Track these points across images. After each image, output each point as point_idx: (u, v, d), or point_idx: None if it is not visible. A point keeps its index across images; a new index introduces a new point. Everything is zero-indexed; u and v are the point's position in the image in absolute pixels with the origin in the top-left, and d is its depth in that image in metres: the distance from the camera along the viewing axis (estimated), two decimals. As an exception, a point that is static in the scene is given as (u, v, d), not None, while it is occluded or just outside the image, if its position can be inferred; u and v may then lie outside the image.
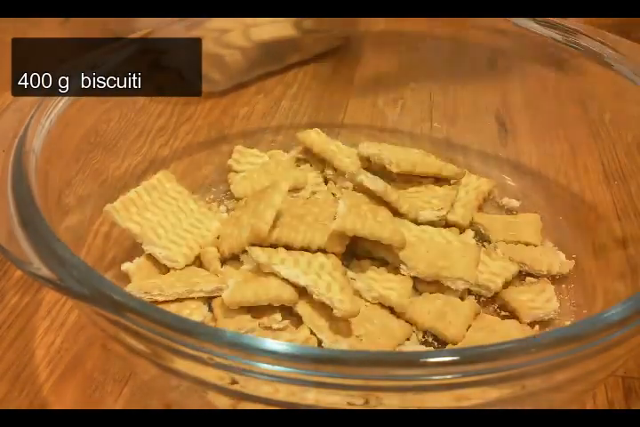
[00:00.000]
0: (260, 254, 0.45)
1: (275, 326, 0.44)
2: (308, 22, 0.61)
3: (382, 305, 0.45)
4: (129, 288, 0.43)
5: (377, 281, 0.46)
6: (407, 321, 0.45)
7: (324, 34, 0.64)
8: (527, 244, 0.51)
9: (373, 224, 0.45)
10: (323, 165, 0.57)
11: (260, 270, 0.45)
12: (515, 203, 0.56)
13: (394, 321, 0.45)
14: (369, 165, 0.56)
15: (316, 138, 0.58)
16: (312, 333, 0.43)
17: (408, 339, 0.44)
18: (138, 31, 0.51)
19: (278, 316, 0.44)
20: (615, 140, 0.52)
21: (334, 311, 0.41)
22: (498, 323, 0.45)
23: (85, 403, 0.44)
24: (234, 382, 0.30)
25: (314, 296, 0.43)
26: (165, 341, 0.29)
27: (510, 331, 0.44)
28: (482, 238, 0.52)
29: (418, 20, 0.56)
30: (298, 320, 0.44)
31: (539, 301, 0.46)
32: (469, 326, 0.45)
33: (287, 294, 0.43)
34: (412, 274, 0.46)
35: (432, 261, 0.46)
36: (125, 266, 0.47)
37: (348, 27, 0.62)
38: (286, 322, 0.44)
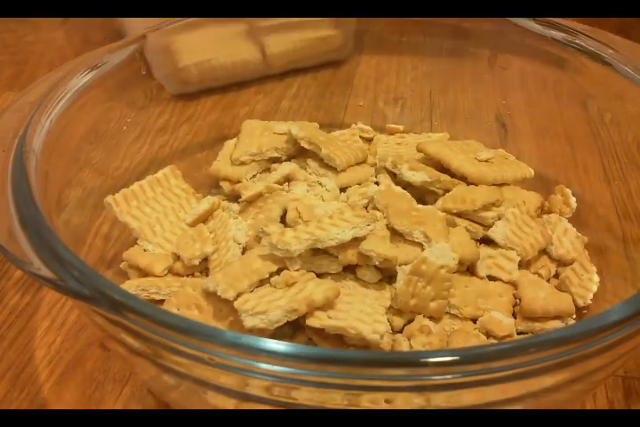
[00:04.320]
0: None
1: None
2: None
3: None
4: (126, 285, 0.43)
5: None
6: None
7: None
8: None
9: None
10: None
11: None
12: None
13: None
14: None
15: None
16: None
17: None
18: (137, 31, 0.51)
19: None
20: (615, 140, 0.52)
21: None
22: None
23: (85, 403, 0.44)
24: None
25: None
26: (165, 341, 0.29)
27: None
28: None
29: (418, 19, 0.56)
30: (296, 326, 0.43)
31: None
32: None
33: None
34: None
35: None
36: (125, 264, 0.47)
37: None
38: None
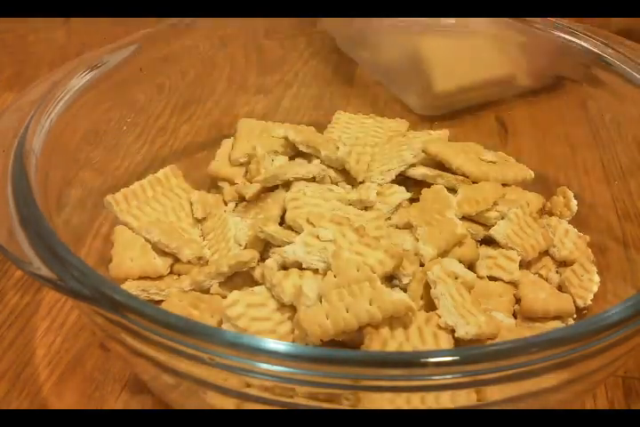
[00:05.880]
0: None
1: None
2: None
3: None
4: (126, 286, 0.43)
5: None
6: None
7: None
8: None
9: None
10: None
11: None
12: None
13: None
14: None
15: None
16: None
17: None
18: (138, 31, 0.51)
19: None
20: (615, 140, 0.52)
21: None
22: None
23: (85, 403, 0.44)
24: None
25: None
26: (165, 341, 0.29)
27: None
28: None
29: (418, 20, 0.56)
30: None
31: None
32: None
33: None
34: None
35: None
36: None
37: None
38: None
